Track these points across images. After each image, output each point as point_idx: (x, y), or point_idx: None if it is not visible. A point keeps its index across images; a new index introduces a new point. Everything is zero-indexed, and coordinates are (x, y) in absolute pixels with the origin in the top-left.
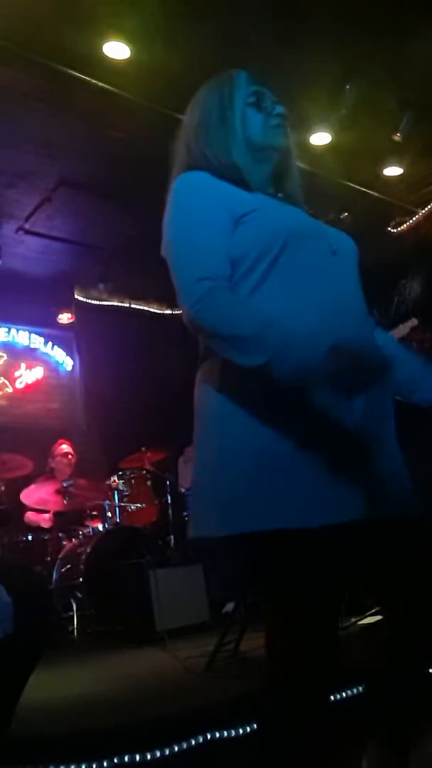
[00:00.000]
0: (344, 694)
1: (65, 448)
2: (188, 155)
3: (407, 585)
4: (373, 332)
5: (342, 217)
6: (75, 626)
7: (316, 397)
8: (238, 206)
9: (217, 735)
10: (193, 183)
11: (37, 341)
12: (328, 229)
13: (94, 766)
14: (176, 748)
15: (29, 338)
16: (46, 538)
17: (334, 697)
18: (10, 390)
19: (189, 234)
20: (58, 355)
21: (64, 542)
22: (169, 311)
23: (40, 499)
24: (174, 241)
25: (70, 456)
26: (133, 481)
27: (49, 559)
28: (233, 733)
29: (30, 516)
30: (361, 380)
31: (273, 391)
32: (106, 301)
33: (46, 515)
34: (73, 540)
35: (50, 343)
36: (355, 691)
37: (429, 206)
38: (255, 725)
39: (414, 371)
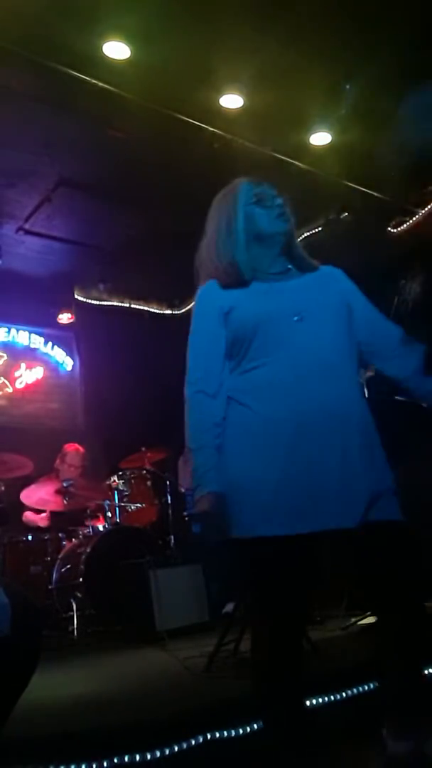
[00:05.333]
0: (345, 694)
1: (78, 449)
2: (201, 268)
3: (383, 591)
4: (347, 378)
5: (342, 217)
6: (75, 626)
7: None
8: (225, 304)
9: (217, 735)
10: (201, 295)
11: (37, 341)
12: (305, 293)
13: (94, 766)
14: (176, 748)
15: (29, 338)
16: (46, 538)
17: (338, 696)
18: (10, 390)
19: (195, 338)
20: (58, 355)
21: (64, 542)
22: (169, 311)
23: (40, 499)
24: (189, 341)
25: (82, 459)
26: (133, 481)
27: (49, 559)
28: (233, 733)
29: (28, 515)
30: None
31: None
32: (106, 301)
33: (44, 514)
34: (73, 540)
35: (50, 343)
36: (355, 691)
37: (429, 206)
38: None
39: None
